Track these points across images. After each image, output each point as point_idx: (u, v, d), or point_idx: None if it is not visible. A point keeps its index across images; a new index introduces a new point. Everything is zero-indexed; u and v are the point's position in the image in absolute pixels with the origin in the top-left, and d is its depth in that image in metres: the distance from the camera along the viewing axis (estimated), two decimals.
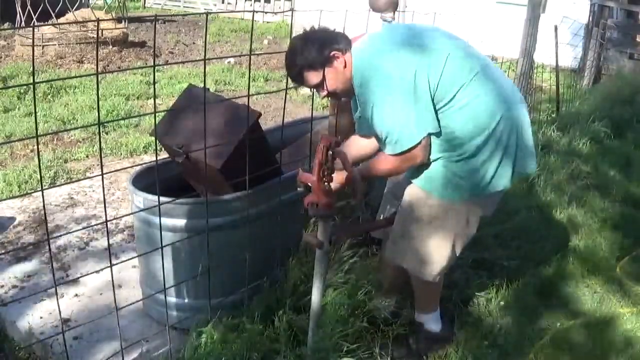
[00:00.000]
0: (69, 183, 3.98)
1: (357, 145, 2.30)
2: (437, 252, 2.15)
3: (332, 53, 2.00)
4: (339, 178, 2.04)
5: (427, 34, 2.04)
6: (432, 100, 1.92)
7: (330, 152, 1.88)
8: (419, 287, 2.32)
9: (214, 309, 2.32)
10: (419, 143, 1.93)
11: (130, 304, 2.35)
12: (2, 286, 2.80)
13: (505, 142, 2.00)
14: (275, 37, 11.14)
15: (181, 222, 2.33)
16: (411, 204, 2.14)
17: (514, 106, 2.04)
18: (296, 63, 2.01)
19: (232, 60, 8.26)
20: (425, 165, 2.04)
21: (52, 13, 8.28)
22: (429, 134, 1.94)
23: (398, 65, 1.92)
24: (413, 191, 2.13)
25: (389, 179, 2.57)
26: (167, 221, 2.27)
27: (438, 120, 1.95)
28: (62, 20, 8.23)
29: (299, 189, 2.08)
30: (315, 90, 2.10)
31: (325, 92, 2.07)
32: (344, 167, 2.01)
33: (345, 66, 2.02)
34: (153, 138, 2.35)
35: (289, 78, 2.11)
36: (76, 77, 2.19)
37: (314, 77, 2.03)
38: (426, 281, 2.24)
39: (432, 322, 2.42)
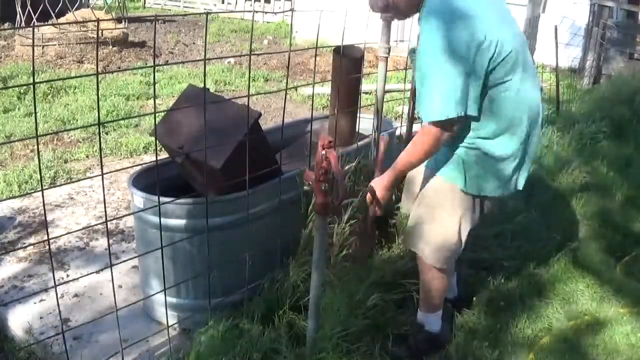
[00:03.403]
0: (69, 183, 3.98)
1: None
2: (452, 237, 2.21)
3: None
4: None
5: (503, 7, 2.03)
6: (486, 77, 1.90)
7: (324, 152, 1.88)
8: (428, 282, 2.34)
9: (214, 309, 2.32)
10: (456, 118, 1.89)
11: (130, 304, 2.35)
12: (2, 286, 2.80)
13: (528, 141, 2.08)
14: (275, 37, 11.13)
15: (181, 222, 2.33)
16: (431, 191, 2.19)
17: (540, 110, 2.11)
18: None
19: (232, 60, 8.26)
20: (450, 151, 2.08)
21: (52, 13, 8.28)
22: (467, 115, 1.91)
23: (474, 27, 1.85)
24: (436, 180, 2.17)
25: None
26: (167, 221, 2.27)
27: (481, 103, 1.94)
28: (62, 20, 8.24)
29: (305, 187, 2.08)
30: None
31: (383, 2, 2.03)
32: (333, 168, 1.99)
33: None
34: (153, 138, 2.35)
35: None
36: (76, 77, 2.19)
37: None
38: (434, 277, 2.28)
39: (433, 323, 2.42)
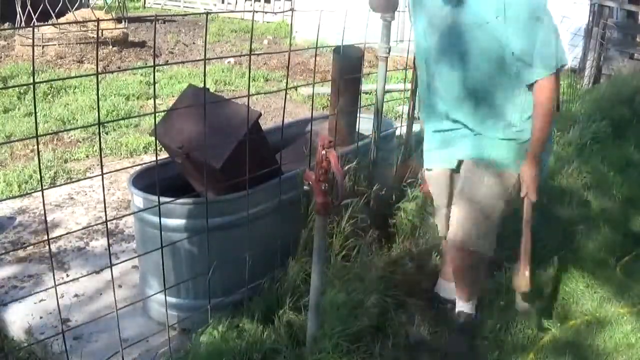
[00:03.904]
0: (69, 183, 3.98)
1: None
2: (497, 225, 2.32)
3: None
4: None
5: None
6: None
7: (324, 152, 1.88)
8: (477, 273, 2.44)
9: (214, 309, 2.32)
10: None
11: (130, 304, 2.35)
12: (2, 286, 2.80)
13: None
14: (275, 37, 11.13)
15: (181, 222, 2.33)
16: (487, 186, 2.23)
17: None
18: None
19: (232, 60, 8.26)
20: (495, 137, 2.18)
21: (52, 13, 8.28)
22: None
23: None
24: (490, 171, 2.21)
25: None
26: (167, 221, 2.27)
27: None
28: (62, 20, 8.23)
29: (305, 187, 2.08)
30: None
31: None
32: (333, 168, 1.99)
33: None
34: (153, 138, 2.35)
35: None
36: (76, 77, 2.19)
37: None
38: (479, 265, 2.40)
39: (470, 309, 2.51)
